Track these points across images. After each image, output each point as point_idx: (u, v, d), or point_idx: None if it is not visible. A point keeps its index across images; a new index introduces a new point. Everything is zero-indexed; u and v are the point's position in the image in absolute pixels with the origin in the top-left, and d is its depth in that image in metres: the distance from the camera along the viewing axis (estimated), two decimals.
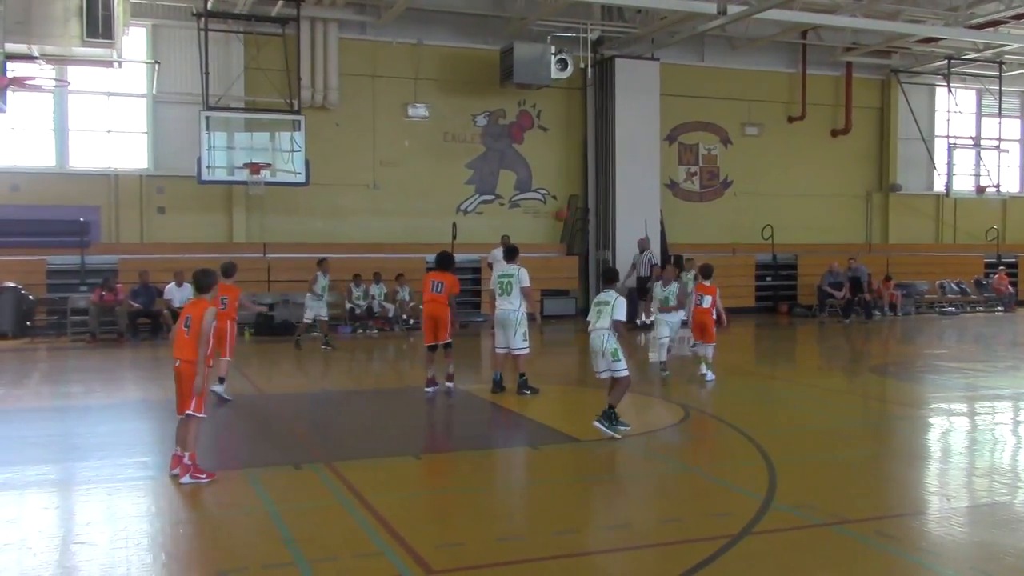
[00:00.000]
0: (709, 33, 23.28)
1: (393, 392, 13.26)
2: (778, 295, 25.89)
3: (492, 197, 24.41)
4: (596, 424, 9.12)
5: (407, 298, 21.06)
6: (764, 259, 25.77)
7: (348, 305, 20.58)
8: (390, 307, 20.94)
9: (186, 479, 7.57)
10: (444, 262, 12.29)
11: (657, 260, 21.64)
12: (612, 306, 9.27)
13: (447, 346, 12.14)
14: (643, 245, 21.82)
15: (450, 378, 12.32)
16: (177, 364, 7.70)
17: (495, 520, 6.78)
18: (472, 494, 7.56)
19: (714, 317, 13.24)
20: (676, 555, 5.88)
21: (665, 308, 13.98)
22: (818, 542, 6.11)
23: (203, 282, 8.00)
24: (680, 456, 8.81)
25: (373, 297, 20.85)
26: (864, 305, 23.84)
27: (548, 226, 24.85)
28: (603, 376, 9.34)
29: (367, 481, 7.57)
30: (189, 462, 7.61)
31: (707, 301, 13.20)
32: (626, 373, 9.21)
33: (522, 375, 11.89)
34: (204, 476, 7.61)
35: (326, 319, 17.55)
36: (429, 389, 11.97)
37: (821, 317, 23.99)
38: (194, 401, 7.59)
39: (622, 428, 9.12)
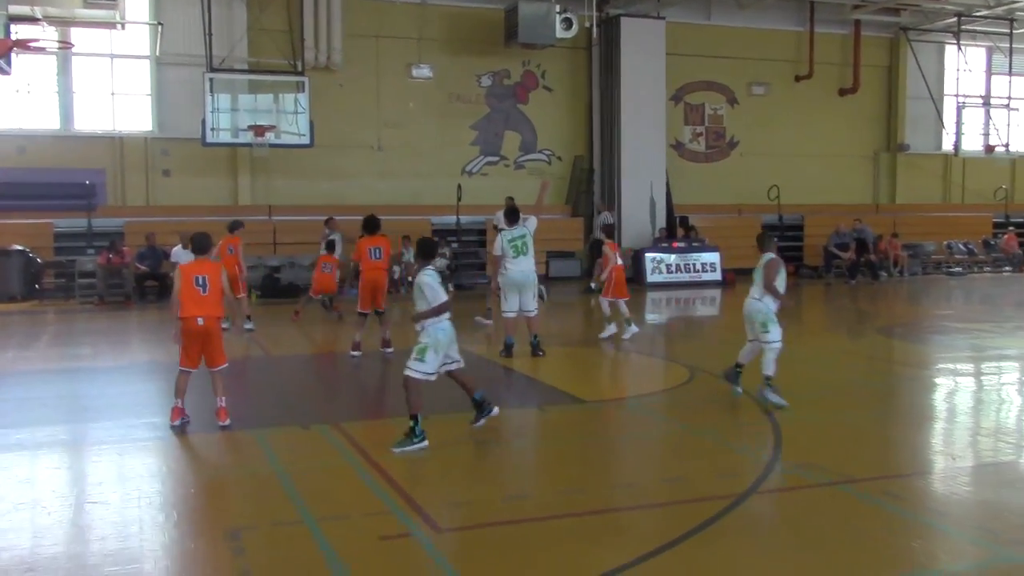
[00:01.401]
0: None
1: (399, 353, 13.28)
2: (784, 256, 25.69)
3: (497, 158, 24.31)
4: (766, 395, 8.67)
5: (412, 260, 21.03)
6: (770, 220, 25.68)
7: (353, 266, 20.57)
8: (396, 268, 20.91)
9: (228, 421, 8.08)
10: (375, 225, 12.17)
11: (611, 221, 21.69)
12: (759, 271, 9.21)
13: (381, 312, 12.16)
14: (599, 207, 21.92)
15: (386, 343, 12.17)
16: (200, 322, 7.96)
17: (501, 479, 6.85)
18: (477, 454, 7.63)
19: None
20: (681, 514, 5.94)
21: None
22: (824, 502, 6.16)
23: (203, 244, 8.43)
24: (685, 417, 8.84)
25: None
26: (870, 266, 23.80)
27: (553, 187, 24.74)
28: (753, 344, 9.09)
29: (374, 441, 7.64)
30: (225, 404, 8.15)
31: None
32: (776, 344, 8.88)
33: (536, 336, 11.90)
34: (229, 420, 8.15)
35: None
36: (355, 353, 11.87)
37: (827, 278, 23.95)
38: (220, 356, 8.16)
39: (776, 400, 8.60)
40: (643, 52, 23.56)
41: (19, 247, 19.11)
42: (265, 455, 7.38)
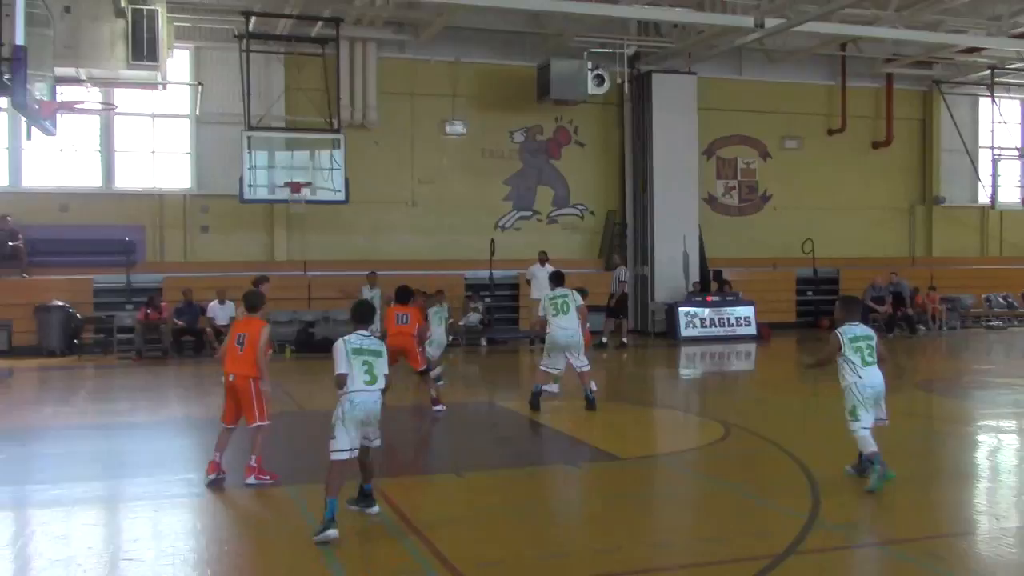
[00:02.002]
0: (747, 46, 23.15)
1: (430, 409, 13.28)
2: (819, 310, 25.55)
3: (530, 213, 24.45)
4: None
5: (447, 314, 21.10)
6: (805, 273, 25.50)
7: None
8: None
9: (251, 479, 8.02)
10: (405, 296, 12.39)
11: (626, 278, 21.79)
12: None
13: (423, 373, 12.24)
14: (614, 263, 21.93)
15: (435, 402, 12.10)
16: (232, 379, 8.07)
17: (536, 538, 6.77)
18: (513, 512, 7.55)
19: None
20: (719, 574, 5.84)
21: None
22: (865, 563, 6.04)
23: (254, 302, 8.50)
24: (721, 474, 8.73)
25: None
26: (907, 319, 23.51)
27: (586, 241, 24.84)
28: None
29: (409, 499, 7.61)
30: (255, 464, 8.07)
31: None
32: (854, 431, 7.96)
33: (591, 390, 11.97)
34: (268, 478, 8.07)
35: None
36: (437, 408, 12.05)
37: None
38: (257, 412, 8.12)
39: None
40: (675, 107, 23.71)
41: (59, 303, 19.43)
42: (300, 513, 7.37)
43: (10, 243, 19.69)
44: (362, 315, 7.03)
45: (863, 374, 7.98)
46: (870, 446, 7.76)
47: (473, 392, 15.63)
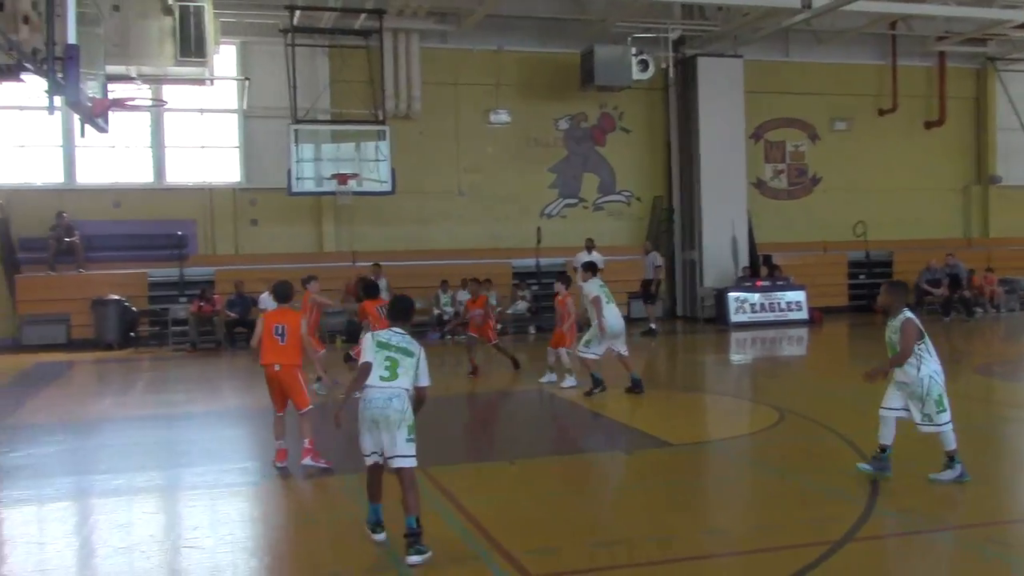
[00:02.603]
0: (794, 27, 22.83)
1: (483, 396, 13.35)
2: (872, 294, 25.01)
3: (576, 200, 24.37)
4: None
5: (494, 303, 21.15)
6: (857, 256, 25.11)
7: (435, 311, 20.78)
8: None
9: (307, 460, 8.18)
10: (375, 291, 12.15)
11: (661, 263, 21.55)
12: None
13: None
14: (646, 248, 21.66)
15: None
16: (277, 368, 8.21)
17: (590, 525, 6.76)
18: (567, 499, 7.56)
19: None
20: (775, 562, 5.78)
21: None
22: (926, 549, 5.94)
23: (285, 292, 8.67)
24: (776, 460, 8.64)
25: (460, 303, 20.99)
26: (964, 302, 23.04)
27: (632, 228, 24.70)
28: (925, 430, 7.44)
29: (462, 486, 7.65)
30: (310, 445, 8.22)
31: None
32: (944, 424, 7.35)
33: (636, 374, 12.14)
34: (323, 461, 8.21)
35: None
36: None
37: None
38: (303, 399, 8.29)
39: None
40: (721, 91, 23.45)
41: (116, 296, 19.81)
42: (354, 500, 7.43)
43: (67, 239, 20.12)
44: (397, 312, 6.52)
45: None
46: (954, 442, 7.30)
47: (522, 380, 15.65)
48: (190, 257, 21.11)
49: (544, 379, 13.38)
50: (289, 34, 19.77)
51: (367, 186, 20.22)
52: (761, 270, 23.53)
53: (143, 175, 21.73)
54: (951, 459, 7.31)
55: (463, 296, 21.01)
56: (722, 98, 23.40)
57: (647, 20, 22.49)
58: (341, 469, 8.27)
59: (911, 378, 7.38)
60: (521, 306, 21.49)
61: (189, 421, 11.58)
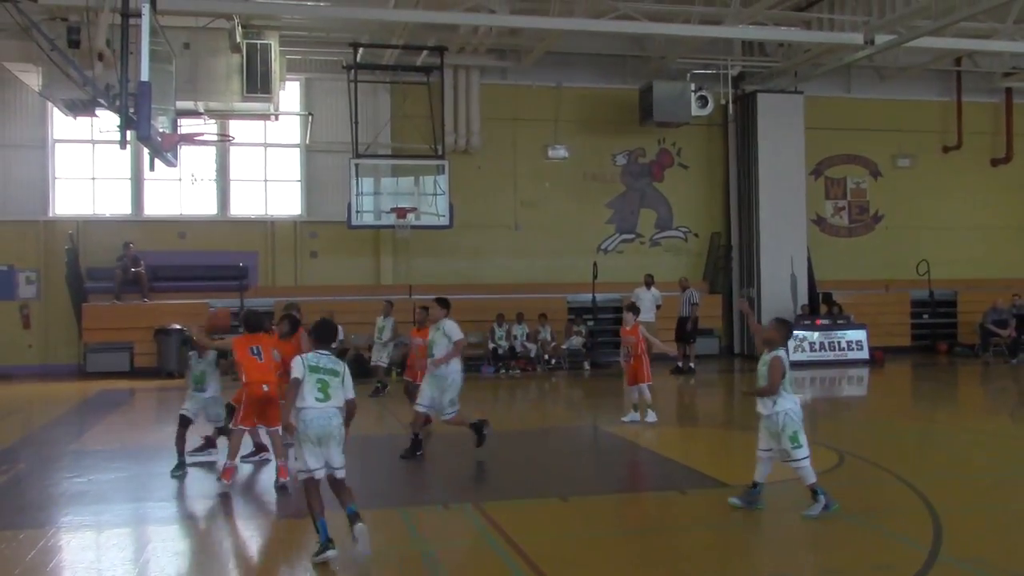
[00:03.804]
0: (856, 63, 22.63)
1: (536, 433, 13.30)
2: (936, 333, 24.65)
3: (633, 236, 24.32)
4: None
5: (549, 338, 21.16)
6: (920, 296, 24.59)
7: (491, 345, 20.81)
8: (532, 347, 21.08)
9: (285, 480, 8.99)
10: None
11: (698, 299, 21.02)
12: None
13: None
14: (683, 284, 21.29)
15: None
16: (265, 389, 9.26)
17: (644, 565, 6.67)
18: (620, 538, 7.47)
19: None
20: None
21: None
22: None
23: (257, 324, 10.33)
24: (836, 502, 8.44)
25: (515, 337, 21.03)
26: None
27: (690, 264, 24.53)
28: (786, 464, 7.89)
29: (514, 522, 7.60)
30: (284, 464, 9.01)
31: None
32: (801, 459, 7.77)
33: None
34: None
35: (382, 365, 17.12)
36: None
37: (985, 357, 22.65)
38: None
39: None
40: (781, 127, 23.29)
41: (177, 326, 20.19)
42: (408, 533, 7.44)
43: (133, 269, 20.60)
44: (322, 335, 7.00)
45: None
46: (812, 476, 7.81)
47: (577, 416, 15.58)
48: (251, 288, 21.47)
49: (627, 418, 12.91)
50: (352, 71, 20.16)
51: (425, 220, 20.42)
52: (821, 308, 23.18)
53: (208, 207, 22.23)
54: (814, 493, 7.69)
55: (518, 331, 21.06)
56: (782, 134, 23.24)
57: (707, 56, 22.51)
58: (394, 501, 8.26)
59: (769, 411, 7.80)
60: (576, 341, 21.43)
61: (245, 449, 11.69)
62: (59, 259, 20.68)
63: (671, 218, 24.58)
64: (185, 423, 10.06)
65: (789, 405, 7.76)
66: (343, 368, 6.76)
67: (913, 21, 18.60)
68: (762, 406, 7.85)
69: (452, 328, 10.50)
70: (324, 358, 6.74)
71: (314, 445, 6.55)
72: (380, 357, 17.16)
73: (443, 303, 10.77)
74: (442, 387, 10.50)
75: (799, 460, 7.68)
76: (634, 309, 13.36)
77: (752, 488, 7.93)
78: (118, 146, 12.45)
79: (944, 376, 20.57)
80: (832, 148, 25.28)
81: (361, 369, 18.40)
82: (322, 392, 6.61)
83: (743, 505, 7.89)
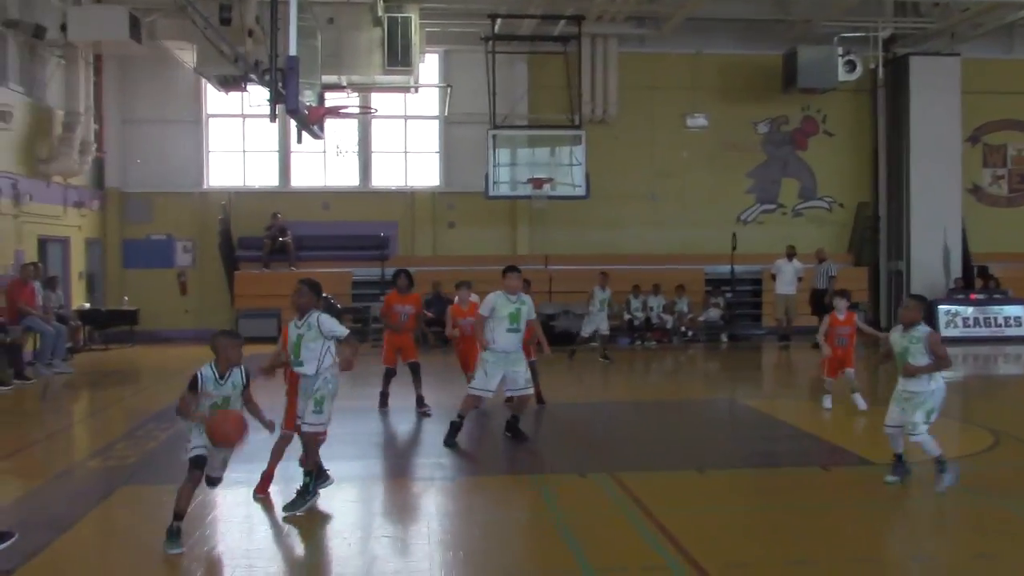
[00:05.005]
0: (1018, 22, 21.26)
1: (672, 404, 13.19)
2: None
3: (773, 206, 23.66)
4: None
5: (686, 309, 20.90)
6: None
7: (626, 316, 20.70)
8: (668, 318, 20.87)
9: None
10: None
11: (835, 272, 19.92)
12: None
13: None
14: (820, 256, 20.26)
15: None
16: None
17: (785, 541, 6.54)
18: (760, 512, 7.36)
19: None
20: None
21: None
22: None
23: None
24: (990, 486, 8.06)
25: (651, 308, 20.84)
26: None
27: (834, 235, 23.69)
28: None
29: (651, 493, 7.58)
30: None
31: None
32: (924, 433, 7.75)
33: None
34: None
35: (606, 333, 17.65)
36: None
37: None
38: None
39: None
40: (935, 92, 22.13)
41: (324, 294, 20.89)
42: (544, 501, 7.53)
43: (280, 238, 21.45)
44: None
45: None
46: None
47: (714, 388, 15.37)
48: (391, 257, 22.01)
49: (826, 404, 11.75)
50: (490, 42, 20.27)
51: (561, 190, 20.44)
52: (976, 282, 22.04)
53: (350, 179, 22.87)
54: (941, 463, 7.79)
55: (655, 302, 20.85)
56: (936, 99, 22.10)
57: (855, 19, 21.57)
58: (532, 469, 8.37)
59: (924, 387, 7.71)
60: (713, 313, 21.09)
61: (386, 416, 12.05)
62: (212, 229, 21.76)
63: (815, 187, 23.79)
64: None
65: (942, 383, 7.74)
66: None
67: None
68: (917, 383, 7.73)
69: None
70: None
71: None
72: (594, 325, 17.34)
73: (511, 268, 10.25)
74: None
75: (922, 434, 7.68)
76: (845, 295, 11.94)
77: (898, 461, 7.88)
78: (267, 119, 12.97)
79: None
80: (991, 113, 23.87)
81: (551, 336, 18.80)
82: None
83: (898, 480, 7.80)
